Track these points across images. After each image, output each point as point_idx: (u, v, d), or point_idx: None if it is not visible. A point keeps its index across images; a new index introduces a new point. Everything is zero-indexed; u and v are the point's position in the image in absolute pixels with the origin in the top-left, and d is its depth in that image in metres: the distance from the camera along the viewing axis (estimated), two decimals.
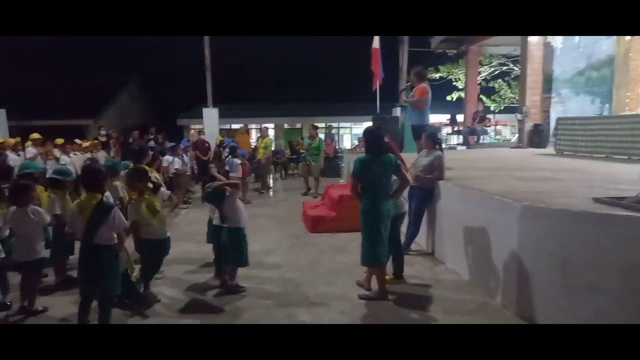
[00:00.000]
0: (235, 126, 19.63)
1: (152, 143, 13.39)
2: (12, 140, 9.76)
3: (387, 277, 4.63)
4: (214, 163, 10.57)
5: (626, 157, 7.34)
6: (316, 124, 12.55)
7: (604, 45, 11.47)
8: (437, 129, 6.27)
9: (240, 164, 9.67)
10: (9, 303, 4.34)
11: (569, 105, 12.78)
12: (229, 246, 4.71)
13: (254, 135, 21.61)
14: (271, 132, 22.46)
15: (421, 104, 6.79)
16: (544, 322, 3.71)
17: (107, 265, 3.60)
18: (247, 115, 22.44)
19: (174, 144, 11.24)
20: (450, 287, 4.77)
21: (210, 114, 15.50)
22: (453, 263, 5.33)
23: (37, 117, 16.08)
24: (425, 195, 5.68)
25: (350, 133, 27.33)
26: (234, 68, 25.98)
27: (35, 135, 9.90)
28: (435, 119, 15.76)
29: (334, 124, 21.68)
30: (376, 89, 12.02)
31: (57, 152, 9.77)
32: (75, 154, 10.06)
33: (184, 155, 10.47)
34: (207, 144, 13.06)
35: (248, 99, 25.96)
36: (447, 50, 17.60)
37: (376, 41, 12.37)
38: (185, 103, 23.26)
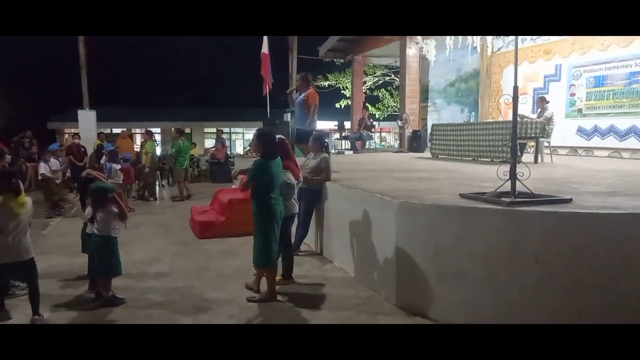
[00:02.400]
0: (117, 130, 18.34)
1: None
2: None
3: (277, 278, 4.64)
4: (90, 168, 9.81)
5: (489, 159, 8.24)
6: (180, 128, 12.27)
7: (470, 59, 12.80)
8: (324, 133, 6.46)
9: (122, 169, 9.07)
10: None
11: (443, 113, 14.03)
12: (97, 255, 4.40)
13: (138, 140, 20.36)
14: (158, 137, 21.40)
15: (314, 109, 6.93)
16: (419, 311, 3.98)
17: None
18: (131, 119, 21.12)
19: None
20: (337, 284, 4.92)
21: (87, 117, 14.27)
22: (340, 261, 5.50)
23: None
24: (313, 196, 5.81)
25: (242, 138, 27.05)
26: (117, 69, 24.34)
27: None
28: (324, 125, 16.25)
29: (225, 129, 21.31)
30: (266, 94, 12.07)
31: None
32: None
33: (53, 159, 9.48)
34: (82, 149, 12.02)
35: (133, 102, 24.45)
36: (335, 60, 18.30)
37: (265, 46, 12.43)
38: (58, 105, 21.18)
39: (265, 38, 12.61)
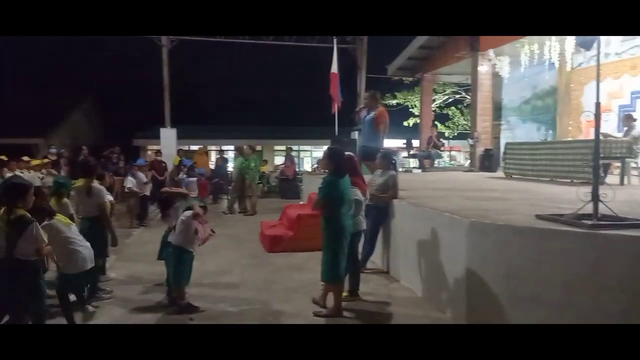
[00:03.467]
0: (194, 147, 19.41)
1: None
2: None
3: (343, 294, 4.67)
4: (170, 182, 10.46)
5: (569, 180, 7.78)
6: (252, 145, 12.60)
7: (547, 76, 12.25)
8: (392, 151, 6.47)
9: (199, 181, 9.58)
10: None
11: (517, 131, 13.48)
12: (171, 264, 4.68)
13: (212, 156, 21.40)
14: (230, 155, 22.33)
15: (384, 128, 6.95)
16: None
17: (28, 281, 3.41)
18: (207, 137, 22.25)
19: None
20: (403, 304, 4.85)
21: (168, 135, 15.28)
22: (407, 280, 5.43)
23: None
24: (380, 213, 5.80)
25: (310, 156, 27.55)
26: (194, 90, 25.86)
27: None
28: (391, 143, 16.20)
29: (294, 147, 21.84)
30: (334, 113, 12.27)
31: None
32: (22, 172, 9.62)
33: (139, 174, 10.21)
34: (163, 164, 12.83)
35: (208, 121, 25.80)
36: (403, 78, 18.23)
37: (334, 66, 12.70)
38: (142, 123, 22.83)
39: (334, 58, 12.90)
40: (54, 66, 22.81)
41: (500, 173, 10.39)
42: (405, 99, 20.84)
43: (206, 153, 16.77)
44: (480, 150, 12.25)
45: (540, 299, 3.49)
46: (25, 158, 10.33)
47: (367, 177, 6.03)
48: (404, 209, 5.52)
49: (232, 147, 24.41)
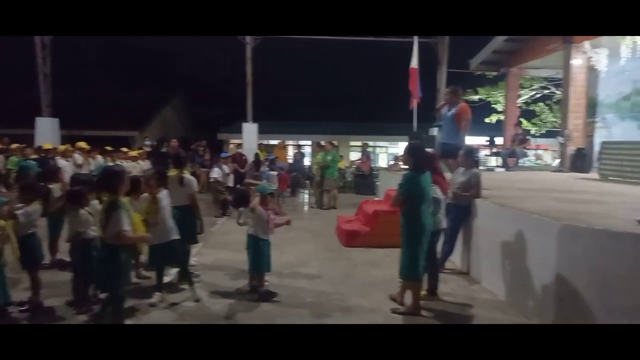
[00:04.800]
0: (273, 142, 20.02)
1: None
2: (62, 147, 10.33)
3: (421, 292, 4.62)
4: (250, 176, 10.90)
5: None
6: (332, 141, 12.62)
7: None
8: (475, 148, 6.25)
9: (279, 175, 9.89)
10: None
11: (614, 130, 12.40)
12: (250, 253, 4.91)
13: (290, 151, 21.93)
14: (307, 149, 22.75)
15: (466, 125, 6.76)
16: None
17: (108, 265, 3.66)
18: (285, 132, 22.82)
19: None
20: (485, 307, 4.70)
21: (250, 129, 15.90)
22: (489, 282, 5.25)
23: (87, 128, 16.92)
24: (461, 212, 5.65)
25: (386, 152, 27.30)
26: (275, 86, 26.60)
27: (82, 144, 10.48)
28: (473, 140, 15.62)
29: (370, 143, 21.77)
30: (413, 109, 12.07)
31: (100, 159, 10.31)
32: (121, 162, 10.52)
33: (223, 165, 10.76)
34: (244, 157, 13.39)
35: (287, 116, 26.43)
36: (486, 72, 17.45)
37: (414, 61, 12.48)
38: (226, 118, 23.92)
39: (414, 53, 12.67)
40: (148, 65, 24.53)
41: (593, 174, 9.65)
42: (487, 95, 19.94)
43: (285, 147, 17.23)
44: (571, 149, 11.44)
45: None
46: (124, 149, 11.25)
47: (446, 176, 5.90)
48: (488, 208, 5.33)
49: (309, 142, 24.88)
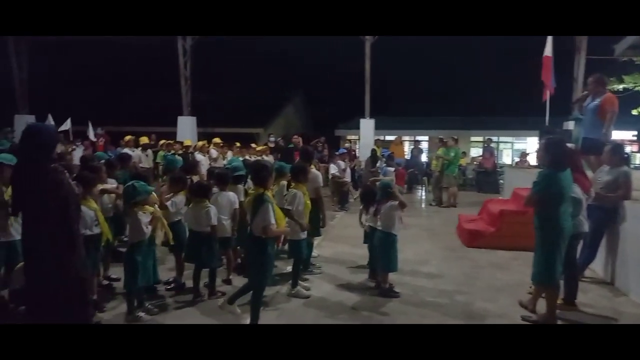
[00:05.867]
0: (389, 137, 19.89)
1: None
2: (200, 143, 11.39)
3: (557, 301, 4.24)
4: (366, 172, 10.96)
5: None
6: (455, 137, 12.00)
7: None
8: (622, 144, 5.54)
9: (396, 171, 9.81)
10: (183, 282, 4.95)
11: None
12: (379, 250, 4.87)
13: (406, 146, 21.59)
14: (425, 145, 22.19)
15: (612, 117, 6.04)
16: None
17: (256, 256, 3.85)
18: (401, 127, 22.50)
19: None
20: (634, 322, 4.16)
21: (367, 125, 15.99)
22: (638, 295, 4.63)
23: (218, 125, 18.42)
24: (606, 215, 5.05)
25: (511, 148, 25.49)
26: (391, 81, 26.36)
27: (217, 140, 11.44)
28: (618, 135, 13.87)
29: (494, 138, 20.52)
30: (546, 100, 11.09)
31: (229, 154, 11.17)
32: (249, 157, 11.28)
33: (339, 161, 10.96)
34: (353, 152, 13.60)
35: (403, 111, 26.04)
36: (635, 58, 15.36)
37: (548, 49, 11.44)
38: (343, 114, 24.31)
39: (549, 40, 11.61)
40: (272, 66, 25.92)
41: None
42: (635, 83, 17.54)
43: (401, 143, 17.00)
44: None
45: None
46: (253, 145, 12.06)
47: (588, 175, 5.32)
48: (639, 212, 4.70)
49: (426, 138, 24.22)
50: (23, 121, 15.14)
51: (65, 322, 3.17)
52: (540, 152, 4.25)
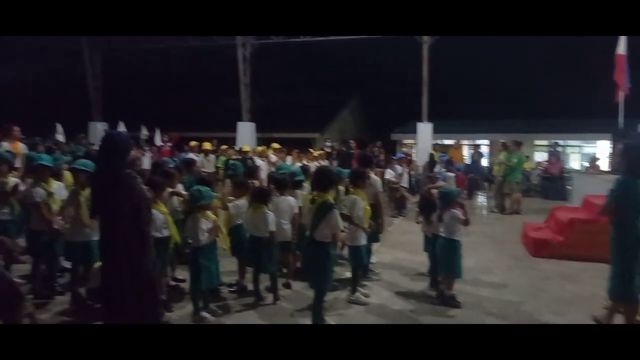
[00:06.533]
0: (447, 142, 19.47)
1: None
2: (259, 148, 11.67)
3: (637, 317, 3.95)
4: (424, 177, 10.74)
5: None
6: (518, 141, 11.48)
7: None
8: None
9: (456, 176, 9.56)
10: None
11: None
12: (443, 256, 4.75)
13: (465, 151, 21.00)
14: (485, 149, 21.49)
15: None
16: None
17: (320, 261, 3.89)
18: (460, 131, 21.91)
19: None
20: None
21: (425, 129, 15.72)
22: None
23: (276, 130, 18.80)
24: None
25: (579, 152, 24.12)
26: (449, 84, 25.74)
27: (276, 145, 11.65)
28: None
29: (560, 142, 19.52)
30: (619, 101, 10.41)
31: (289, 158, 11.33)
32: (307, 162, 11.40)
33: (396, 166, 10.81)
34: (408, 157, 13.38)
35: (461, 114, 25.33)
36: None
37: (622, 46, 10.74)
38: (399, 118, 24.02)
39: (622, 37, 10.89)
40: (328, 70, 26.07)
41: None
42: None
43: (460, 147, 16.56)
44: None
45: None
46: (311, 150, 12.19)
47: None
48: None
49: (486, 142, 23.43)
50: (96, 128, 16.22)
51: (137, 320, 3.35)
52: (617, 158, 3.99)
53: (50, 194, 4.63)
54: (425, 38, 15.08)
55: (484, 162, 15.80)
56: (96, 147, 10.45)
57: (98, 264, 3.97)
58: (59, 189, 4.82)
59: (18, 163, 6.27)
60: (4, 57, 18.96)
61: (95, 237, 4.31)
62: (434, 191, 5.37)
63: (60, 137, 10.73)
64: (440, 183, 7.77)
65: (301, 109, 22.62)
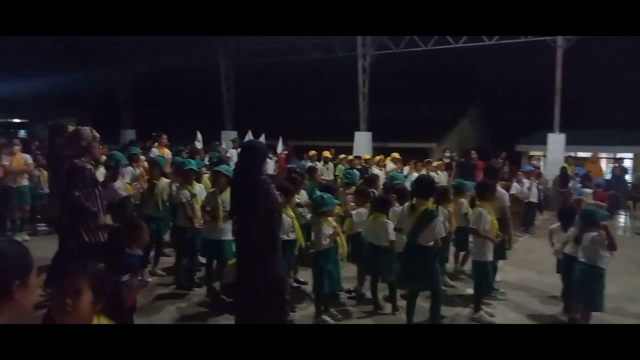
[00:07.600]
0: (581, 154, 17.69)
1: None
2: (376, 158, 11.76)
3: None
4: (555, 193, 9.88)
5: None
6: None
7: None
8: None
9: (594, 192, 8.69)
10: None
11: None
12: (581, 284, 4.30)
13: (603, 164, 18.84)
14: (628, 163, 19.13)
15: None
16: None
17: (427, 263, 4.08)
18: (596, 143, 19.75)
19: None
20: None
21: (556, 140, 14.48)
22: None
23: (392, 140, 18.72)
24: None
25: None
26: (583, 89, 23.39)
27: (395, 155, 11.65)
28: None
29: None
30: None
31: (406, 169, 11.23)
32: (426, 172, 11.18)
33: (523, 179, 10.08)
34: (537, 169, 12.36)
35: (599, 123, 22.82)
36: None
37: None
38: (526, 128, 22.37)
39: None
40: (447, 79, 25.31)
41: None
42: None
43: (598, 161, 14.95)
44: None
45: None
46: (431, 160, 12.01)
47: None
48: None
49: (630, 155, 20.83)
50: (228, 136, 17.66)
51: (267, 317, 3.58)
52: None
53: (193, 195, 5.18)
54: (560, 41, 13.92)
55: (627, 177, 14.04)
56: (228, 154, 11.44)
57: (232, 261, 4.33)
58: (200, 191, 5.38)
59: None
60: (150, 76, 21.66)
61: (227, 237, 4.74)
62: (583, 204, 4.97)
63: (199, 144, 11.83)
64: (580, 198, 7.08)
65: (418, 119, 22.25)
